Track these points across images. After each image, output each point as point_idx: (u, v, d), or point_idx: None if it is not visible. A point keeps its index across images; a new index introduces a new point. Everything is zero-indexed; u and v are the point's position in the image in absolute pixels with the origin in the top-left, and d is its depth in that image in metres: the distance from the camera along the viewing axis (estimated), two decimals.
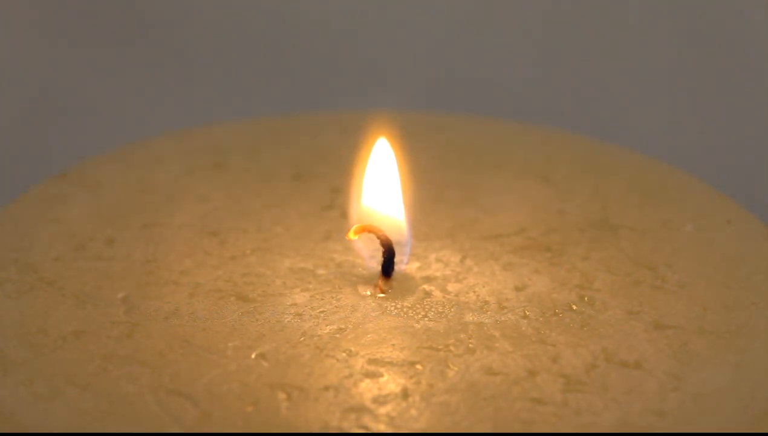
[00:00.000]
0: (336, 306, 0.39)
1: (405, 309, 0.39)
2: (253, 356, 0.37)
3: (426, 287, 0.40)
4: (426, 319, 0.39)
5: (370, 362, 0.37)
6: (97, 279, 0.40)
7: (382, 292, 0.40)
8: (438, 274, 0.41)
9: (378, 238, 0.40)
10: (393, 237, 0.40)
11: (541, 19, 0.73)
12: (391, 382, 0.36)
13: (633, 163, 0.48)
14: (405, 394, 0.36)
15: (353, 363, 0.37)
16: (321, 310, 0.39)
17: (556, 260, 0.42)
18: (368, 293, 0.40)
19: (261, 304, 0.39)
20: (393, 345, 0.38)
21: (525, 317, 0.39)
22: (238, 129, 0.50)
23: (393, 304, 0.39)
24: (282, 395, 0.36)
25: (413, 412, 0.35)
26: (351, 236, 0.40)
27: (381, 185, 0.42)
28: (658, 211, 0.44)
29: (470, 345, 0.38)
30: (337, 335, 0.38)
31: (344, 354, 0.37)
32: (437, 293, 0.40)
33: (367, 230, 0.40)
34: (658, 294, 0.40)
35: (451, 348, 0.38)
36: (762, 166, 0.67)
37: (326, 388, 0.36)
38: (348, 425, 0.35)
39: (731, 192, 0.45)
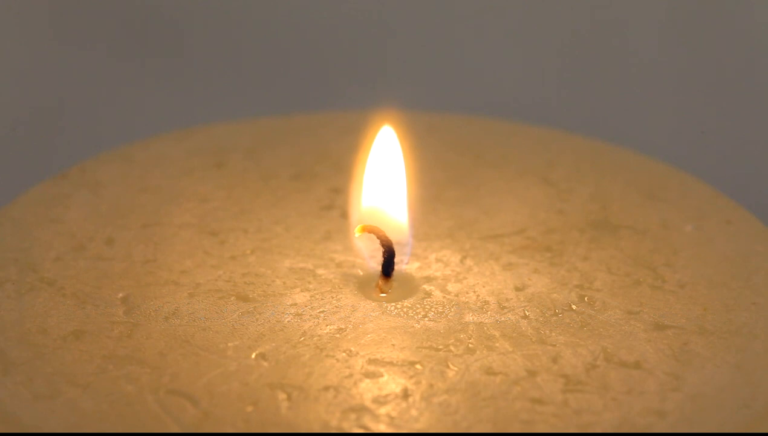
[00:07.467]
0: (336, 306, 0.39)
1: (405, 309, 0.39)
2: (253, 356, 0.37)
3: (426, 287, 0.40)
4: (426, 319, 0.39)
5: (370, 362, 0.37)
6: (97, 279, 0.40)
7: (383, 292, 0.40)
8: (438, 274, 0.41)
9: (378, 238, 0.40)
10: (393, 237, 0.40)
11: (542, 20, 0.73)
12: (391, 382, 0.36)
13: (633, 163, 0.48)
14: (405, 394, 0.36)
15: (353, 363, 0.37)
16: (321, 310, 0.39)
17: (556, 260, 0.42)
18: (360, 295, 0.40)
19: (261, 304, 0.39)
20: (393, 345, 0.38)
21: (525, 317, 0.39)
22: (238, 129, 0.50)
23: (393, 304, 0.39)
24: (282, 395, 0.36)
25: (413, 412, 0.35)
26: (357, 232, 0.40)
27: (384, 181, 0.42)
28: (658, 212, 0.44)
29: (470, 345, 0.38)
30: (337, 335, 0.38)
31: (344, 354, 0.37)
32: (437, 293, 0.40)
33: (368, 230, 0.40)
34: (658, 294, 0.40)
35: (451, 348, 0.38)
36: (762, 166, 0.67)
37: (326, 388, 0.36)
38: (348, 425, 0.35)
39: (731, 192, 0.45)
